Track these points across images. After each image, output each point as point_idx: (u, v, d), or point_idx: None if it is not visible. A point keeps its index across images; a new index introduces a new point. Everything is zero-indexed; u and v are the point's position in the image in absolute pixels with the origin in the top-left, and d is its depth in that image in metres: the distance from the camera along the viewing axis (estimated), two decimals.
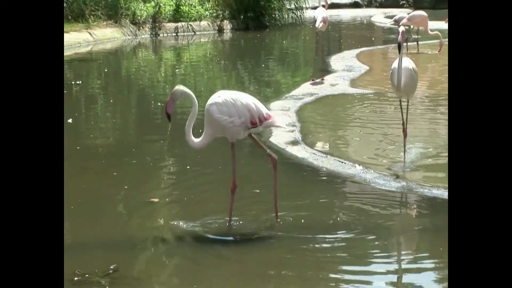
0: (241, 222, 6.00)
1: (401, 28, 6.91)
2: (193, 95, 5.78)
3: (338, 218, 6.18)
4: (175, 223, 6.01)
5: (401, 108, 7.51)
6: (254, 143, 6.02)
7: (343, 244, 5.68)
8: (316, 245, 5.65)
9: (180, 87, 5.77)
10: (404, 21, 15.48)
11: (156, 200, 6.64)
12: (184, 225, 5.94)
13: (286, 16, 22.76)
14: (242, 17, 21.76)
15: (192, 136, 5.74)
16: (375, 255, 5.54)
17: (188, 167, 7.73)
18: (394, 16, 18.34)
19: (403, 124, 7.47)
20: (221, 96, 5.71)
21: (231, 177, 5.88)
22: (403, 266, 5.44)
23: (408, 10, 24.05)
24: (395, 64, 7.08)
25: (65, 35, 18.14)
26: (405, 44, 14.72)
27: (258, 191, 6.88)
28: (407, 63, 7.12)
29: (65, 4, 19.20)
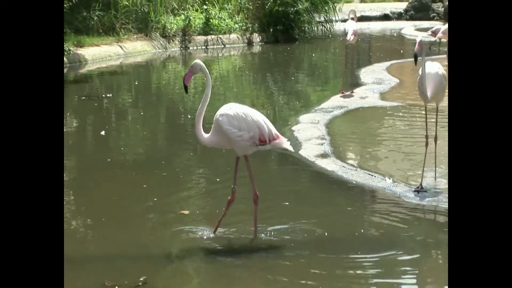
0: (268, 234, 5.99)
1: (419, 38, 6.82)
2: (209, 75, 5.90)
3: (368, 232, 6.14)
4: (205, 235, 6.01)
5: (426, 118, 7.41)
6: (247, 168, 5.99)
7: (373, 259, 5.64)
8: (345, 260, 5.62)
9: (199, 62, 5.89)
10: (440, 34, 15.43)
11: (186, 212, 6.65)
12: (214, 237, 5.94)
13: (315, 29, 22.76)
14: (271, 30, 21.80)
15: (202, 129, 5.79)
16: (404, 271, 5.49)
17: (217, 179, 7.74)
18: (426, 28, 18.26)
19: (426, 136, 7.35)
20: (232, 108, 5.76)
21: (252, 188, 5.92)
22: (432, 282, 5.39)
23: (437, 23, 23.94)
24: (421, 72, 6.95)
25: (96, 49, 18.32)
26: (434, 56, 14.63)
27: (287, 203, 6.87)
28: (436, 68, 6.95)
29: (96, 18, 19.39)
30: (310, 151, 8.53)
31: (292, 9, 21.69)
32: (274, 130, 5.78)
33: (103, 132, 9.81)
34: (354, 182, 7.43)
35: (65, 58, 15.78)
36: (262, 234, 5.97)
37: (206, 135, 5.80)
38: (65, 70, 16.50)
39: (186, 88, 5.89)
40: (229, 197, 5.98)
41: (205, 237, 5.97)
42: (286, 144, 5.88)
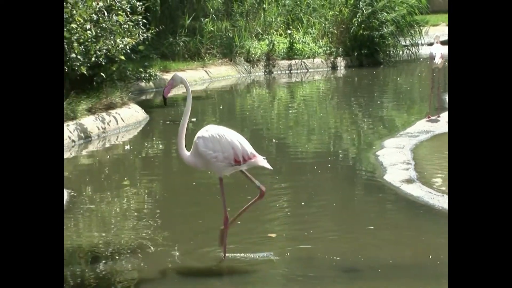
0: (351, 256, 5.91)
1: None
2: (189, 88, 6.04)
3: None
4: (291, 258, 5.98)
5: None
6: (245, 177, 6.07)
7: None
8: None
9: (179, 74, 6.03)
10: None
11: (273, 235, 6.62)
12: (299, 261, 5.90)
13: (401, 52, 22.52)
14: (356, 54, 21.69)
15: (184, 146, 5.88)
16: None
17: (302, 203, 7.69)
18: None
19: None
20: (208, 130, 5.86)
21: (223, 211, 6.02)
22: None
23: None
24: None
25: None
26: None
27: (372, 227, 6.76)
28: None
29: (181, 43, 19.71)
30: (395, 176, 8.38)
31: (377, 33, 21.53)
32: (250, 150, 5.85)
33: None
34: (440, 208, 7.23)
35: (151, 83, 16.06)
36: (349, 256, 5.89)
37: (188, 153, 5.89)
38: (151, 95, 16.80)
39: (165, 100, 6.10)
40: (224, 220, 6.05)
41: (290, 260, 5.92)
42: (262, 162, 5.95)
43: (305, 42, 21.67)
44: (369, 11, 21.63)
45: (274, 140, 11.35)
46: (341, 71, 21.42)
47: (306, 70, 21.19)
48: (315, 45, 21.85)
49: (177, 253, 6.12)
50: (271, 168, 6.14)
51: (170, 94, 6.24)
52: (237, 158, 5.77)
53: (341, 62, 21.75)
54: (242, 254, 6.09)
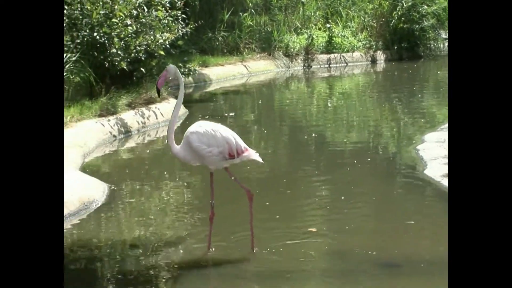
0: (389, 250, 5.87)
1: None
2: (183, 81, 6.05)
3: None
4: (330, 252, 5.96)
5: None
6: (229, 175, 6.15)
7: None
8: None
9: (174, 66, 6.00)
10: None
11: (314, 229, 6.60)
12: (338, 255, 5.88)
13: (441, 45, 22.28)
14: (395, 47, 21.53)
15: (173, 140, 5.85)
16: None
17: (342, 197, 7.65)
18: None
19: None
20: (202, 126, 5.88)
21: (211, 205, 6.06)
22: None
23: None
24: None
25: (221, 68, 18.65)
26: None
27: (412, 222, 6.70)
28: None
29: (220, 38, 19.75)
30: (436, 170, 8.29)
31: (417, 26, 21.35)
32: (243, 144, 5.96)
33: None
34: None
35: (190, 78, 16.13)
36: (388, 251, 5.85)
37: (178, 147, 5.89)
38: (190, 90, 16.87)
39: (158, 91, 6.11)
40: (209, 214, 6.08)
41: (332, 255, 5.90)
42: (254, 156, 6.04)
43: (344, 36, 21.58)
44: (409, 4, 21.45)
45: (313, 134, 11.32)
46: (381, 64, 21.27)
47: (345, 64, 21.09)
48: (354, 38, 21.74)
49: (215, 249, 6.13)
50: (263, 162, 6.21)
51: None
52: (231, 152, 5.87)
53: (380, 56, 21.61)
54: (281, 249, 6.09)
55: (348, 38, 21.61)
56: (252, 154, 6.03)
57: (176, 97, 13.73)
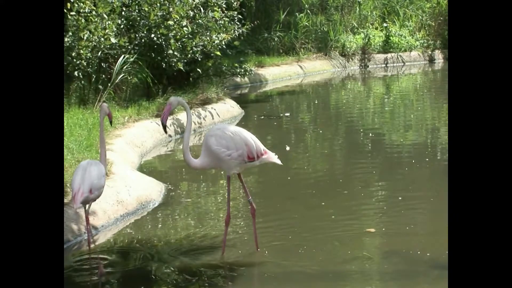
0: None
1: None
2: (188, 106, 5.93)
3: None
4: (387, 253, 5.89)
5: None
6: (241, 184, 6.06)
7: None
8: None
9: (175, 97, 5.89)
10: None
11: (372, 230, 6.54)
12: (394, 256, 5.81)
13: None
14: None
15: (190, 155, 5.78)
16: None
17: (399, 198, 7.55)
18: None
19: None
20: (220, 128, 5.83)
21: (226, 209, 5.98)
22: None
23: None
24: None
25: (276, 68, 18.64)
26: None
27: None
28: None
29: (276, 38, 19.75)
30: None
31: None
32: (262, 146, 5.86)
33: (288, 148, 10.06)
34: None
35: (246, 78, 16.16)
36: (444, 253, 5.75)
37: (196, 160, 5.81)
38: (246, 90, 16.91)
39: (164, 127, 5.81)
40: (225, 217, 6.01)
41: (392, 256, 5.85)
42: (274, 158, 5.96)
43: (401, 35, 21.36)
44: None
45: (370, 134, 11.22)
46: (439, 64, 20.99)
47: (402, 64, 20.88)
48: (412, 38, 21.51)
49: (266, 250, 6.11)
50: (282, 164, 6.12)
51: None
52: (250, 154, 5.79)
53: (438, 55, 21.33)
54: (338, 250, 6.04)
55: (405, 37, 21.37)
56: (271, 157, 5.97)
57: (232, 98, 13.80)
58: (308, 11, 20.93)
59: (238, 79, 16.33)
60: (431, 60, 21.16)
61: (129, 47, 11.33)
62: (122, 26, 11.55)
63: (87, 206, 5.82)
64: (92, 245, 6.07)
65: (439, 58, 21.23)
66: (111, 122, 6.33)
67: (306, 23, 20.48)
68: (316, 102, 15.69)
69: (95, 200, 5.85)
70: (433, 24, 21.74)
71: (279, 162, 6.04)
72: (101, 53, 10.97)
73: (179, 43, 11.77)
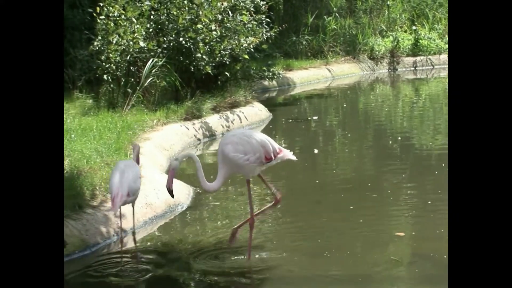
0: None
1: None
2: (192, 154, 5.98)
3: None
4: (422, 258, 5.87)
5: None
6: (262, 181, 6.08)
7: None
8: None
9: (174, 160, 5.79)
10: None
11: (402, 234, 6.49)
12: (424, 259, 5.77)
13: None
14: None
15: (206, 182, 5.75)
16: None
17: (429, 202, 7.49)
18: None
19: None
20: (235, 135, 5.81)
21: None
22: None
23: None
24: None
25: (304, 72, 18.62)
26: None
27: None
28: None
29: (304, 42, 19.73)
30: None
31: None
32: (276, 145, 5.88)
33: (316, 151, 10.05)
34: None
35: (274, 82, 16.17)
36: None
37: (214, 183, 5.80)
38: (274, 93, 16.90)
39: (170, 192, 5.67)
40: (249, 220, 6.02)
41: (427, 259, 5.82)
42: (289, 155, 6.00)
43: (430, 38, 21.23)
44: None
45: (398, 138, 11.16)
46: None
47: (431, 67, 20.75)
48: (441, 41, 21.36)
49: (293, 254, 6.09)
50: (296, 159, 6.13)
51: None
52: (268, 155, 5.80)
53: None
54: (367, 253, 6.01)
55: (434, 40, 21.23)
56: (287, 154, 6.01)
57: (260, 101, 13.81)
58: (337, 14, 20.88)
59: (266, 83, 16.34)
60: None
61: (157, 50, 11.39)
62: (150, 30, 11.61)
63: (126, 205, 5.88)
64: (123, 247, 6.14)
65: None
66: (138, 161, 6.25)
67: (335, 26, 20.43)
68: (345, 105, 15.64)
69: (133, 202, 5.88)
70: None
71: (294, 158, 6.07)
72: (130, 57, 11.05)
73: (207, 46, 11.80)
